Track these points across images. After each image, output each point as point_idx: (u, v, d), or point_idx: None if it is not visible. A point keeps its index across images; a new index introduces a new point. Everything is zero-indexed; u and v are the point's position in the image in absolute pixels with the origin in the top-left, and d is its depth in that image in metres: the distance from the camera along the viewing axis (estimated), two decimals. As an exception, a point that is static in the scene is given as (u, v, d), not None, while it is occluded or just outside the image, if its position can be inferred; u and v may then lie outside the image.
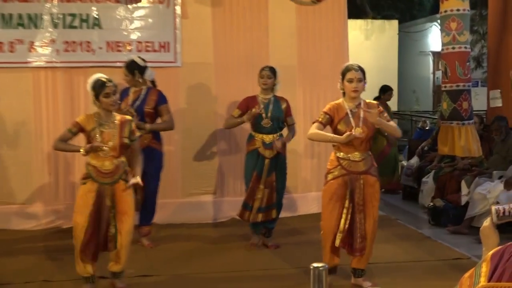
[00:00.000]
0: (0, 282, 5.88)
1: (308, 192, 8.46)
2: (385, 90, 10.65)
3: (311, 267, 3.85)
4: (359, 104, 5.51)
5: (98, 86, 5.41)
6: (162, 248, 7.02)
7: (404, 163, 10.62)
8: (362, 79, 5.49)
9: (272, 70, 6.77)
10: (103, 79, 5.44)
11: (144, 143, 6.75)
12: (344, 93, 5.56)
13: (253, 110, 6.61)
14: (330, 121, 5.48)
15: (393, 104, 14.10)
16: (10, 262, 6.53)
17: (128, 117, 5.64)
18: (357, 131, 5.37)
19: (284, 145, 6.83)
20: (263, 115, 6.67)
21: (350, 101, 5.51)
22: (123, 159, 5.55)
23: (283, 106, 6.78)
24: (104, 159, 5.42)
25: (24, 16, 7.77)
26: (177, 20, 8.08)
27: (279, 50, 8.33)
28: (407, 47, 18.82)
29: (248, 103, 6.76)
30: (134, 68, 6.91)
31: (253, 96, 6.82)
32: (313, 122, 5.59)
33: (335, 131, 5.49)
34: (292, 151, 8.13)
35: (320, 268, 3.85)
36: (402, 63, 18.20)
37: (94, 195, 5.41)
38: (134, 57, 7.09)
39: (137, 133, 5.69)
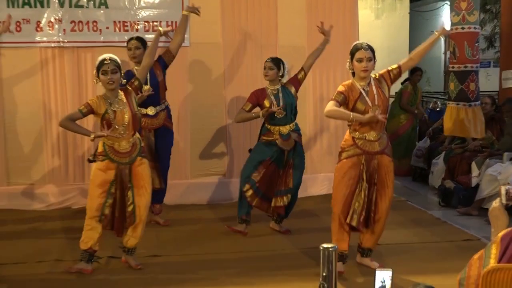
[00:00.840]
0: (13, 261, 6.03)
1: (318, 173, 8.56)
2: (412, 71, 10.64)
3: (321, 248, 3.96)
4: (370, 82, 5.57)
5: (98, 63, 5.52)
6: (172, 229, 7.15)
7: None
8: (372, 58, 5.52)
9: (275, 61, 6.75)
10: (104, 57, 5.52)
11: (160, 122, 7.03)
12: (353, 73, 5.60)
13: (272, 108, 6.60)
14: (345, 101, 5.51)
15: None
16: (22, 242, 6.68)
17: (128, 88, 5.68)
18: (378, 113, 5.42)
19: (300, 136, 6.90)
20: (281, 108, 6.66)
21: (360, 80, 5.55)
22: (137, 135, 5.68)
23: (292, 90, 6.80)
24: (120, 139, 5.55)
25: (31, -5, 7.85)
26: (185, -1, 8.14)
27: (288, 30, 8.38)
28: (418, 26, 18.78)
29: (258, 96, 6.77)
30: (145, 43, 7.03)
31: (262, 88, 6.83)
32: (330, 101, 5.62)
33: (353, 111, 5.53)
34: (303, 132, 8.23)
35: (330, 249, 3.95)
36: (413, 43, 18.14)
37: (113, 173, 5.56)
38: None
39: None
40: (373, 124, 5.52)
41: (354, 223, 5.56)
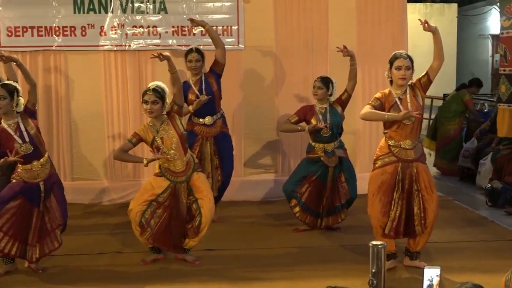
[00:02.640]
0: (76, 253, 6.15)
1: (367, 173, 8.44)
2: (471, 83, 10.44)
3: (370, 245, 3.92)
4: (405, 91, 5.48)
5: (143, 92, 5.64)
6: (226, 225, 7.18)
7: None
8: (410, 67, 5.44)
9: (324, 81, 6.66)
10: (149, 86, 5.63)
11: (217, 130, 7.11)
12: (391, 82, 5.52)
13: (318, 124, 6.54)
14: (381, 107, 5.45)
15: (451, 87, 13.87)
16: (85, 235, 6.82)
17: (171, 112, 5.70)
18: (411, 110, 5.34)
19: (345, 151, 6.84)
20: (327, 125, 6.60)
21: (397, 88, 5.48)
22: (189, 153, 5.79)
23: (339, 109, 6.72)
24: (175, 160, 5.64)
25: (95, 1, 7.99)
26: (240, 4, 8.15)
27: (338, 34, 8.30)
28: (466, 30, 18.44)
29: (305, 112, 6.72)
30: (203, 55, 7.08)
31: (311, 105, 6.78)
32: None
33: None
34: (350, 131, 8.16)
35: (379, 246, 3.91)
36: (460, 47, 17.84)
37: (163, 190, 5.68)
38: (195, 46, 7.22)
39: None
40: (407, 132, 5.44)
41: (392, 233, 5.48)
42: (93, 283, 5.41)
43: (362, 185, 7.66)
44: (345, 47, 6.51)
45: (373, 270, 3.86)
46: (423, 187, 5.51)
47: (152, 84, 5.66)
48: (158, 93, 5.55)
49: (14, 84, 5.49)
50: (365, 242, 6.00)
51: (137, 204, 5.70)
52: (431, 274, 3.76)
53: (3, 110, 5.35)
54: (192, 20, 7.09)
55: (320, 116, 6.63)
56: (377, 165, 5.57)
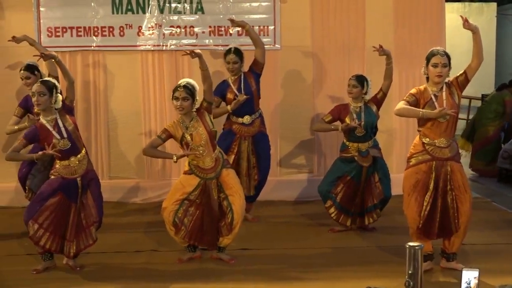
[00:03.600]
0: (113, 250, 6.23)
1: (402, 173, 8.37)
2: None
3: (407, 246, 3.89)
4: (442, 88, 5.42)
5: (174, 88, 5.66)
6: (261, 224, 7.21)
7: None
8: (447, 64, 5.37)
9: (359, 79, 6.62)
10: (180, 83, 5.66)
11: (255, 129, 7.13)
12: (427, 78, 5.46)
13: (351, 123, 6.53)
14: (416, 103, 5.40)
15: (489, 87, 13.69)
16: (122, 233, 6.90)
17: (201, 109, 5.72)
18: (447, 108, 5.27)
19: (379, 150, 6.80)
20: (361, 123, 6.57)
21: (433, 85, 5.42)
22: (218, 149, 5.79)
23: (374, 108, 6.67)
24: (204, 157, 5.66)
25: (133, 2, 8.07)
26: (277, 4, 8.15)
27: (375, 33, 8.23)
28: (505, 29, 18.17)
29: (340, 111, 6.70)
30: (242, 56, 7.10)
31: (345, 104, 6.75)
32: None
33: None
34: (386, 131, 8.11)
35: (416, 247, 3.88)
36: (500, 46, 17.60)
37: (193, 187, 5.72)
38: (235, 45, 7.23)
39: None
40: (441, 130, 5.38)
41: (424, 229, 5.43)
42: (129, 281, 5.45)
43: (398, 186, 7.58)
44: (381, 46, 6.46)
45: (410, 272, 3.84)
46: (457, 186, 5.45)
47: (182, 81, 5.69)
48: (189, 90, 5.58)
49: (53, 80, 5.56)
50: (401, 243, 5.96)
51: (169, 204, 5.74)
52: (469, 276, 3.73)
53: (42, 106, 5.43)
54: (232, 21, 7.09)
55: (355, 115, 6.60)
56: (411, 163, 5.53)
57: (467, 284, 3.70)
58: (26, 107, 6.84)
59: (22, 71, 6.91)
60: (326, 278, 5.47)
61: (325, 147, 8.28)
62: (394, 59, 7.89)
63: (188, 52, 5.67)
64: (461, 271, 3.69)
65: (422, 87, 5.48)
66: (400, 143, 8.45)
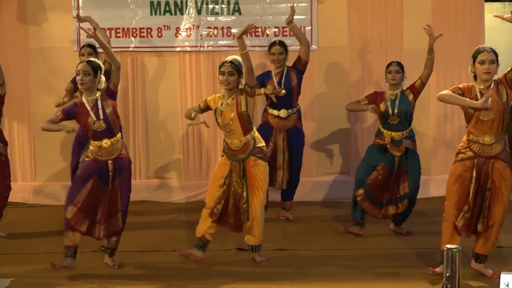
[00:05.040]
0: (150, 249, 6.29)
1: (441, 175, 8.31)
2: None
3: (445, 248, 3.86)
4: (489, 86, 5.34)
5: (220, 63, 5.73)
6: (298, 225, 7.20)
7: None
8: (495, 61, 5.29)
9: (400, 65, 6.64)
10: (226, 59, 5.71)
11: (291, 123, 7.15)
12: (475, 77, 5.39)
13: (377, 106, 6.54)
14: (461, 96, 5.32)
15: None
16: (159, 232, 6.94)
17: (243, 90, 5.72)
18: (489, 100, 5.20)
19: (414, 142, 6.74)
20: (390, 111, 6.55)
21: (481, 83, 5.34)
22: (251, 135, 5.74)
23: (410, 97, 6.62)
24: (232, 137, 5.69)
25: (171, 3, 8.13)
26: (314, 5, 8.15)
27: (413, 33, 8.16)
28: (546, 29, 17.88)
29: (376, 97, 6.68)
30: (287, 48, 7.17)
31: (382, 92, 6.72)
32: None
33: (465, 111, 5.36)
34: (425, 133, 8.07)
35: (454, 250, 3.85)
36: (540, 46, 17.33)
37: (227, 169, 5.75)
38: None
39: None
40: (487, 127, 5.30)
41: (459, 225, 5.37)
42: (167, 280, 5.49)
43: (438, 188, 7.53)
44: (429, 26, 6.49)
45: (447, 274, 3.81)
46: (493, 187, 5.37)
47: (229, 57, 5.74)
48: (235, 65, 5.63)
49: (98, 61, 5.64)
50: (429, 246, 5.96)
51: (212, 192, 5.82)
52: (508, 279, 3.68)
53: (86, 86, 5.52)
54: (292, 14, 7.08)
55: (389, 103, 6.57)
56: (457, 158, 5.50)
57: (506, 286, 3.66)
58: (74, 81, 6.95)
59: (85, 47, 7.01)
60: (363, 281, 5.46)
61: (362, 149, 8.21)
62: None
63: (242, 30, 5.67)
64: (499, 275, 3.64)
65: (470, 84, 5.41)
66: (439, 144, 8.36)
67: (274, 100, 7.10)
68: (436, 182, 8.18)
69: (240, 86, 5.69)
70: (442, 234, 5.48)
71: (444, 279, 3.81)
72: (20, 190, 7.05)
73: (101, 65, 5.62)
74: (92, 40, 6.39)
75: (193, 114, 5.82)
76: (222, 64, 5.66)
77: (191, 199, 8.19)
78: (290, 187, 7.29)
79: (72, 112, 5.57)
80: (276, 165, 7.11)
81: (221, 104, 5.69)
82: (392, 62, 6.70)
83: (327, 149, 8.36)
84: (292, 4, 7.22)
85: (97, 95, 5.57)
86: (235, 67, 5.62)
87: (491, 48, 5.33)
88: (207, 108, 5.82)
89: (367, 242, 6.53)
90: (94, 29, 6.06)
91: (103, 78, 5.58)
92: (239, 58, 5.70)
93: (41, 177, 8.28)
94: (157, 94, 8.30)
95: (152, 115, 8.32)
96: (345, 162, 8.38)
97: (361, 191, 6.64)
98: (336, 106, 8.20)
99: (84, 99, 5.57)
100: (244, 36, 7.57)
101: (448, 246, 3.87)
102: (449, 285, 3.78)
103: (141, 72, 8.25)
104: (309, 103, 8.25)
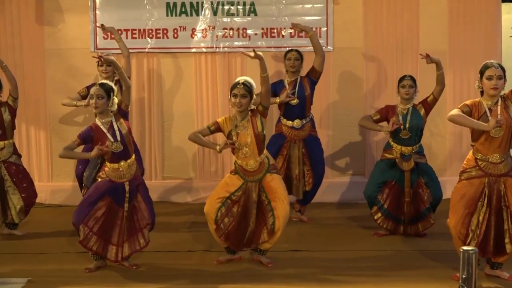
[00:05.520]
0: (165, 250, 6.30)
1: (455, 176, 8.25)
2: None
3: (461, 250, 3.84)
4: (497, 102, 5.27)
5: (232, 84, 5.68)
6: (312, 226, 7.19)
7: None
8: (502, 76, 5.23)
9: (413, 79, 6.60)
10: (238, 80, 5.68)
11: (305, 133, 7.14)
12: (482, 92, 5.32)
13: (395, 124, 6.45)
14: (469, 114, 5.24)
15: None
16: (175, 232, 6.99)
17: (255, 110, 5.72)
18: (500, 119, 5.13)
19: (423, 157, 6.70)
20: (401, 126, 6.52)
21: (488, 99, 5.27)
22: (264, 154, 5.76)
23: (422, 112, 6.58)
24: (248, 158, 5.68)
25: (187, 4, 8.16)
26: (329, 6, 8.13)
27: (429, 34, 8.16)
28: None
29: (388, 112, 6.64)
30: (302, 55, 7.17)
31: (393, 106, 6.67)
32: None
33: (473, 129, 5.30)
34: (441, 134, 8.03)
35: (470, 252, 3.82)
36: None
37: (235, 188, 5.75)
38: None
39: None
40: (495, 146, 5.23)
41: (479, 248, 5.21)
42: (182, 280, 5.50)
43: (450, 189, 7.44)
44: (427, 54, 6.35)
45: (464, 276, 3.78)
46: (510, 204, 5.30)
47: (241, 78, 5.72)
48: (247, 87, 5.60)
49: (110, 83, 5.66)
50: (449, 248, 5.92)
51: (212, 201, 5.80)
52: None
53: (99, 109, 5.53)
54: (295, 25, 7.10)
55: (400, 117, 6.54)
56: (462, 177, 5.41)
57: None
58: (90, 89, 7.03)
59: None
60: (377, 282, 5.44)
61: (377, 151, 8.21)
62: (448, 60, 7.82)
63: (250, 52, 5.58)
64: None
65: (477, 100, 5.34)
66: (454, 146, 8.32)
67: (292, 100, 7.07)
68: (452, 184, 7.99)
69: (252, 107, 5.69)
70: (456, 248, 5.39)
71: (460, 281, 3.78)
72: (37, 191, 7.09)
73: (114, 87, 5.63)
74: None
75: (218, 148, 5.71)
76: (235, 86, 5.62)
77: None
78: (310, 193, 7.28)
79: (89, 137, 5.59)
80: (292, 175, 7.11)
81: (235, 126, 5.68)
82: (405, 76, 6.65)
83: (342, 150, 8.35)
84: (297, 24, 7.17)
85: (111, 117, 5.60)
86: (248, 89, 5.60)
87: (498, 64, 5.28)
88: (217, 130, 5.78)
89: (382, 243, 6.51)
90: (102, 57, 5.96)
91: (115, 100, 5.59)
92: (249, 79, 5.70)
93: (57, 177, 8.34)
94: (173, 95, 8.33)
95: (167, 116, 8.35)
96: (360, 163, 8.36)
97: (374, 208, 6.64)
98: (351, 107, 8.20)
99: (98, 122, 5.59)
100: (260, 37, 7.60)
101: (464, 248, 3.84)
102: (465, 287, 3.75)
103: (157, 73, 8.28)
104: (324, 103, 8.24)
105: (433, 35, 8.15)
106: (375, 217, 6.65)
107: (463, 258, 3.82)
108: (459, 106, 5.33)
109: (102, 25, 7.62)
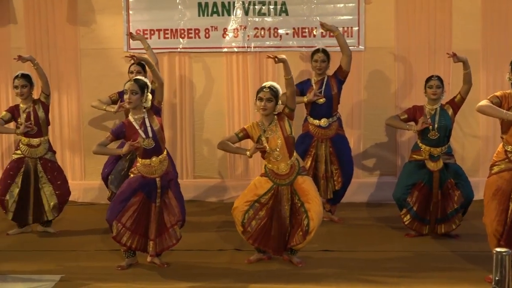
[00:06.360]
0: (196, 248, 6.31)
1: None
2: None
3: (494, 252, 3.78)
4: None
5: (257, 90, 5.67)
6: (343, 226, 7.17)
7: None
8: None
9: (441, 79, 6.52)
10: (265, 84, 5.67)
11: (332, 132, 7.11)
12: None
13: (425, 123, 6.39)
14: (499, 105, 5.18)
15: None
16: (205, 232, 7.01)
17: (281, 113, 5.70)
18: None
19: (452, 157, 6.63)
20: (430, 127, 6.46)
21: None
22: (295, 156, 5.74)
23: (450, 112, 6.51)
24: (279, 162, 5.66)
25: (219, 4, 8.18)
26: (361, 5, 8.08)
27: (462, 34, 8.06)
28: None
29: (415, 112, 6.58)
30: (329, 55, 7.13)
31: (421, 106, 6.61)
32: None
33: (503, 120, 5.23)
34: (474, 134, 7.92)
35: (503, 253, 3.75)
36: None
37: (264, 191, 5.72)
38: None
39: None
40: None
41: (508, 240, 5.17)
42: (213, 279, 5.50)
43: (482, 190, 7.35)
44: (454, 53, 6.29)
45: (497, 278, 3.72)
46: None
47: (267, 83, 5.73)
48: (273, 91, 5.59)
49: (145, 80, 5.69)
50: (479, 250, 5.85)
51: (240, 204, 5.78)
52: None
53: (133, 105, 5.56)
54: (322, 25, 7.09)
55: (428, 117, 6.47)
56: (493, 171, 5.34)
57: None
58: (121, 96, 7.08)
59: (134, 65, 6.99)
60: (408, 283, 5.38)
61: (408, 150, 8.11)
62: (481, 59, 7.69)
63: (272, 56, 5.62)
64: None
65: (507, 92, 5.28)
66: (486, 147, 8.20)
67: (319, 99, 7.04)
68: (480, 184, 8.01)
69: (278, 111, 5.67)
70: (491, 247, 5.31)
71: (493, 283, 3.73)
72: (71, 189, 7.17)
73: (148, 83, 5.66)
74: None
75: (248, 153, 5.65)
76: (261, 90, 5.62)
77: (236, 199, 8.17)
78: (340, 193, 7.25)
79: (121, 132, 5.63)
80: (319, 175, 7.09)
81: (264, 131, 5.67)
82: (432, 76, 6.58)
83: (372, 150, 8.30)
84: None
85: (144, 113, 5.63)
86: (273, 93, 5.59)
87: None
88: (245, 136, 5.75)
89: (413, 244, 6.45)
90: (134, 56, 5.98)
91: (149, 96, 5.62)
92: (276, 84, 5.71)
93: (90, 175, 8.42)
94: (204, 95, 8.35)
95: (199, 115, 8.38)
96: (391, 163, 8.29)
97: (404, 210, 6.59)
98: (383, 106, 8.13)
99: (131, 118, 5.63)
100: (291, 37, 7.58)
101: (498, 249, 3.78)
102: (498, 289, 3.70)
103: (188, 72, 8.32)
104: (356, 102, 8.20)
105: (466, 34, 8.06)
106: (404, 219, 6.60)
107: (496, 259, 3.76)
108: (488, 97, 5.28)
109: (130, 33, 7.70)
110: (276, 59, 5.55)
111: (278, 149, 5.63)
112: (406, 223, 6.60)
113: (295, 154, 5.78)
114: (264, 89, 5.59)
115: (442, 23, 8.12)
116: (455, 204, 6.49)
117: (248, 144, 6.06)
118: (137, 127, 5.58)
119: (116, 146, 6.70)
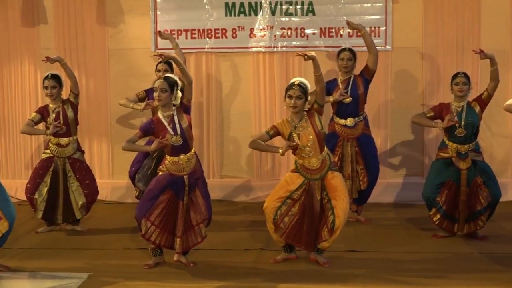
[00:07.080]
0: (222, 248, 6.30)
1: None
2: None
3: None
4: None
5: (287, 85, 5.65)
6: (370, 226, 7.11)
7: None
8: None
9: (467, 76, 6.44)
10: (293, 80, 5.63)
11: (358, 131, 7.06)
12: None
13: (451, 121, 6.32)
14: None
15: None
16: (231, 231, 7.00)
17: (311, 110, 5.66)
18: None
19: (480, 154, 6.54)
20: (456, 124, 6.38)
21: None
22: (326, 151, 5.70)
23: (477, 109, 6.43)
24: (310, 157, 5.63)
25: (246, 4, 8.17)
26: (388, 5, 8.01)
27: (491, 33, 7.94)
28: None
29: (442, 109, 6.52)
30: (355, 54, 7.09)
31: (447, 103, 6.54)
32: None
33: None
34: (502, 134, 7.83)
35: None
36: None
37: (297, 186, 5.68)
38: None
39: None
40: None
41: None
42: (238, 279, 5.48)
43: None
44: (481, 50, 6.23)
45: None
46: None
47: (296, 79, 5.68)
48: (303, 88, 5.57)
49: (175, 77, 5.69)
50: (509, 251, 5.75)
51: (272, 201, 5.75)
52: None
53: (162, 102, 5.57)
54: (349, 23, 7.06)
55: (455, 114, 6.40)
56: None
57: None
58: (148, 94, 7.13)
59: (161, 63, 6.97)
60: (436, 284, 5.31)
61: (435, 149, 8.02)
62: (510, 59, 7.58)
63: (302, 54, 5.60)
64: None
65: None
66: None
67: (346, 98, 6.99)
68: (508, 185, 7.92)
69: (307, 107, 5.64)
70: None
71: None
72: (99, 188, 7.21)
73: (178, 81, 5.66)
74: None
75: (280, 151, 5.62)
76: (290, 87, 5.59)
77: (263, 198, 8.01)
78: (366, 193, 7.20)
79: (150, 129, 5.65)
80: (344, 175, 7.01)
81: (295, 128, 5.64)
82: (459, 73, 6.50)
83: (400, 150, 8.23)
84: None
85: (173, 111, 5.63)
86: (303, 90, 5.57)
87: None
88: (276, 134, 5.73)
89: (441, 245, 6.37)
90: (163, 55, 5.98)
91: (179, 94, 5.62)
92: (304, 80, 5.67)
93: (118, 174, 8.46)
94: (231, 94, 8.35)
95: (226, 115, 8.38)
96: (418, 163, 8.22)
97: (433, 210, 6.51)
98: (410, 106, 8.05)
99: (160, 115, 5.64)
100: (318, 37, 7.54)
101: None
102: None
103: (215, 72, 8.32)
104: (383, 102, 8.13)
105: (495, 34, 7.94)
106: (434, 219, 6.52)
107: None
108: None
109: (159, 32, 7.73)
110: (306, 56, 5.54)
111: (309, 145, 5.61)
112: (436, 222, 6.52)
113: (326, 149, 5.75)
114: (294, 87, 5.56)
115: (471, 23, 8.01)
116: (483, 203, 6.41)
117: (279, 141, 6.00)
118: (166, 124, 5.59)
119: (144, 143, 6.72)
